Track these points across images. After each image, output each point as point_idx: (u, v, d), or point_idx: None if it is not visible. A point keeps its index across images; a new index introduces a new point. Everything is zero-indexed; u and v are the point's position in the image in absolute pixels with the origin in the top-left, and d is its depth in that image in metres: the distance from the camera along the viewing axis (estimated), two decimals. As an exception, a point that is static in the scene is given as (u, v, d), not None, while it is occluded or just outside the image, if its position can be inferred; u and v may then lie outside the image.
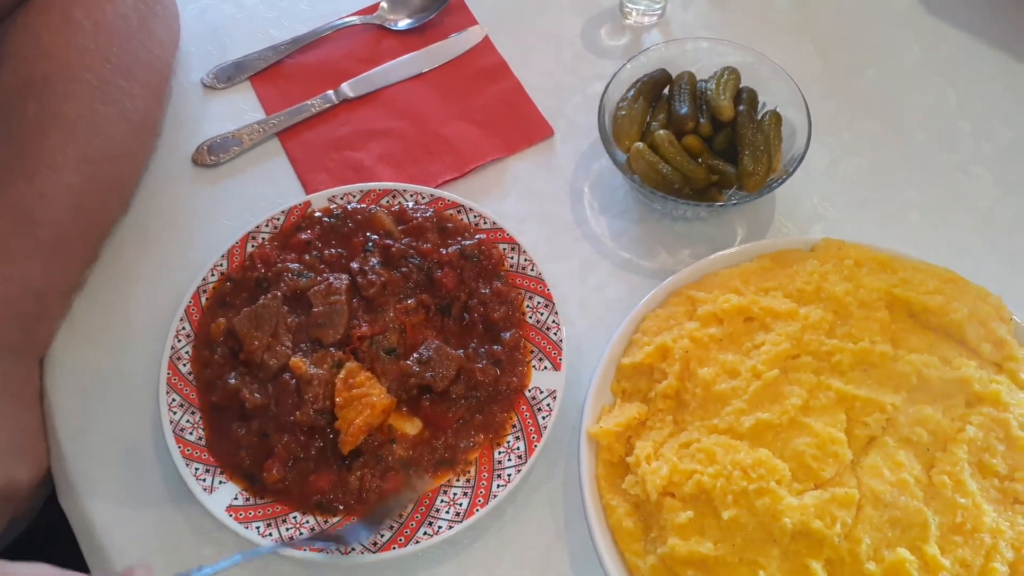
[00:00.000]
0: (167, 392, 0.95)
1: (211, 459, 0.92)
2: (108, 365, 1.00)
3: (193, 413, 0.95)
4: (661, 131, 1.02)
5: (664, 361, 0.91)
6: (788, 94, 1.05)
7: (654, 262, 1.06)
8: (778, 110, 1.05)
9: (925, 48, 1.22)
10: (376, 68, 1.21)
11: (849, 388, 0.86)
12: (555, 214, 1.10)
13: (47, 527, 1.04)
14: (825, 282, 0.93)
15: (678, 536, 0.82)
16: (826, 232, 1.01)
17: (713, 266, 0.98)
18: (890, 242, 0.98)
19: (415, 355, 0.94)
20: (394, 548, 0.87)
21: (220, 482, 0.91)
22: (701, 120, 1.03)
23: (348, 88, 1.19)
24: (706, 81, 1.07)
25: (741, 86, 1.07)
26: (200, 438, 0.93)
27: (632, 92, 1.05)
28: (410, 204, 1.07)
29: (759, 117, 1.05)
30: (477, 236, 1.04)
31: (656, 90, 1.07)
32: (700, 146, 1.02)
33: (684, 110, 1.03)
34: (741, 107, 1.03)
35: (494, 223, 1.04)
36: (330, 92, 1.19)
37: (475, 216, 1.05)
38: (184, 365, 0.97)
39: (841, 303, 0.92)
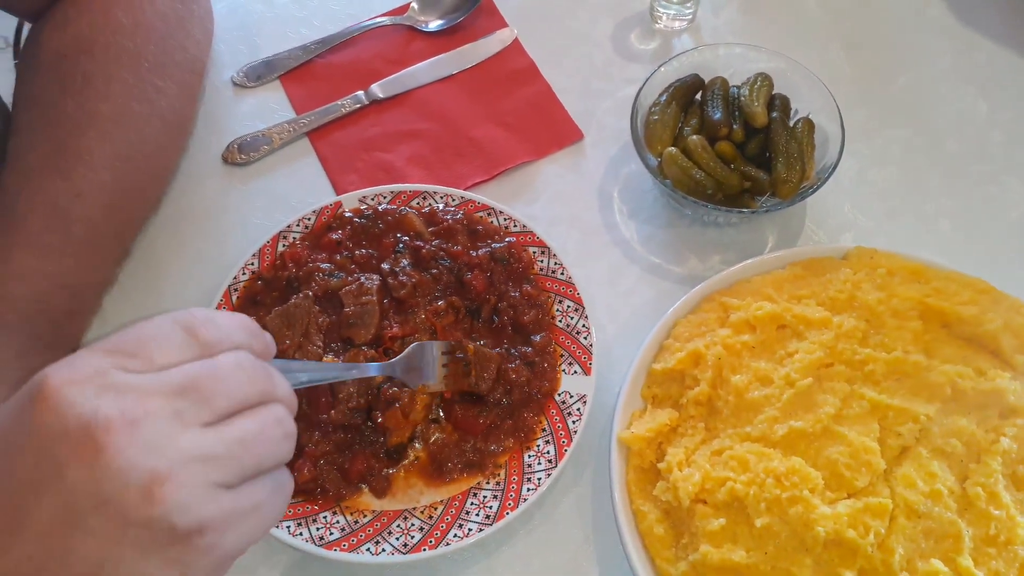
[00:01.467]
0: (198, 390, 0.95)
1: (241, 457, 0.92)
2: (139, 362, 1.00)
3: (223, 411, 0.95)
4: (694, 136, 1.02)
5: (696, 367, 0.91)
6: (820, 101, 1.05)
7: (683, 267, 1.06)
8: (810, 117, 1.05)
9: (957, 56, 1.22)
10: (406, 69, 1.21)
11: (882, 397, 0.86)
12: (584, 218, 1.10)
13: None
14: (858, 291, 0.93)
15: (710, 543, 0.81)
16: (856, 241, 1.00)
17: (745, 273, 0.98)
18: (921, 251, 0.98)
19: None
20: (424, 550, 0.87)
21: (250, 481, 0.91)
22: (734, 126, 1.03)
23: (378, 89, 1.20)
24: (739, 87, 1.06)
25: (773, 92, 1.07)
26: (230, 436, 0.93)
27: (665, 97, 1.05)
28: (440, 206, 1.07)
29: (792, 124, 1.04)
30: (507, 239, 1.04)
31: (689, 95, 1.07)
32: (733, 152, 1.02)
33: (718, 115, 1.02)
34: (774, 114, 1.03)
35: (524, 226, 1.05)
36: (360, 93, 1.19)
37: (505, 219, 1.05)
38: (215, 363, 0.97)
39: (874, 312, 0.92)
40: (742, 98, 1.04)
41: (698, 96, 1.08)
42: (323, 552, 0.87)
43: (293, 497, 0.89)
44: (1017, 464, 0.83)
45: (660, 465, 0.87)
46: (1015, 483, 0.83)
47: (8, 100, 1.01)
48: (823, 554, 0.79)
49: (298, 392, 0.93)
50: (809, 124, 1.04)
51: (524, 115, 1.18)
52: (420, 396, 0.92)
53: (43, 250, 0.92)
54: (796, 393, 0.87)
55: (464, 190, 1.09)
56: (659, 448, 0.90)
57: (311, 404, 0.93)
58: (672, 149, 1.01)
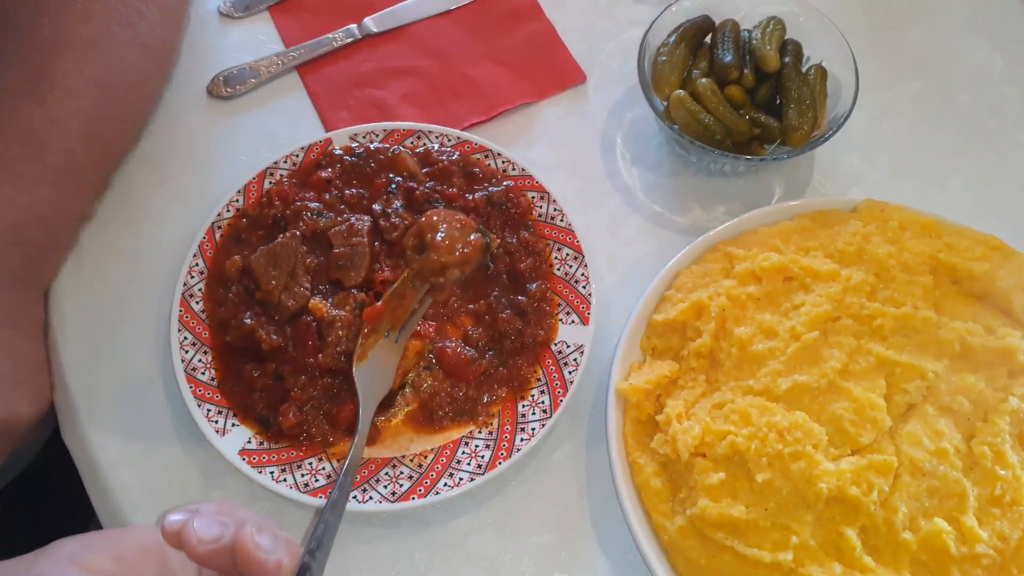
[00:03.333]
0: (179, 330, 0.91)
1: (223, 400, 0.89)
2: (117, 300, 0.96)
3: (205, 353, 0.91)
4: (703, 79, 0.97)
5: (699, 319, 0.88)
6: (833, 49, 1.01)
7: (687, 217, 1.03)
8: (823, 64, 1.01)
9: (973, 9, 1.18)
10: (401, 3, 1.16)
11: (890, 353, 0.84)
12: (585, 164, 1.06)
13: (50, 462, 1.01)
14: (868, 244, 0.90)
15: (709, 498, 0.79)
16: (864, 194, 0.97)
17: (752, 223, 0.94)
18: (930, 207, 0.95)
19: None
20: (413, 499, 0.84)
21: (233, 424, 0.88)
22: (745, 71, 0.99)
23: (372, 23, 1.14)
24: (751, 30, 1.02)
25: (786, 37, 1.02)
26: (212, 379, 0.90)
27: (673, 38, 1.01)
28: (435, 146, 1.03)
29: (804, 71, 1.00)
30: (505, 183, 1.00)
31: (698, 37, 1.02)
32: (743, 97, 0.98)
33: (728, 59, 0.98)
34: (787, 59, 0.99)
35: (523, 169, 1.00)
36: (353, 26, 1.14)
37: (503, 162, 1.01)
38: (197, 303, 0.93)
39: (883, 266, 0.89)
40: (754, 42, 1.00)
41: (708, 39, 1.04)
42: (308, 499, 0.83)
43: (277, 442, 0.87)
44: (1024, 424, 0.81)
45: (659, 417, 0.84)
46: (1022, 443, 0.81)
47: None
48: (825, 511, 0.77)
49: (283, 334, 0.90)
50: (822, 71, 1.00)
51: (524, 54, 1.13)
52: (412, 343, 0.89)
53: (16, 178, 0.87)
54: (801, 347, 0.84)
55: (460, 130, 1.05)
56: (658, 400, 0.87)
57: (297, 346, 0.89)
58: (680, 92, 0.97)
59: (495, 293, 0.95)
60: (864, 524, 0.77)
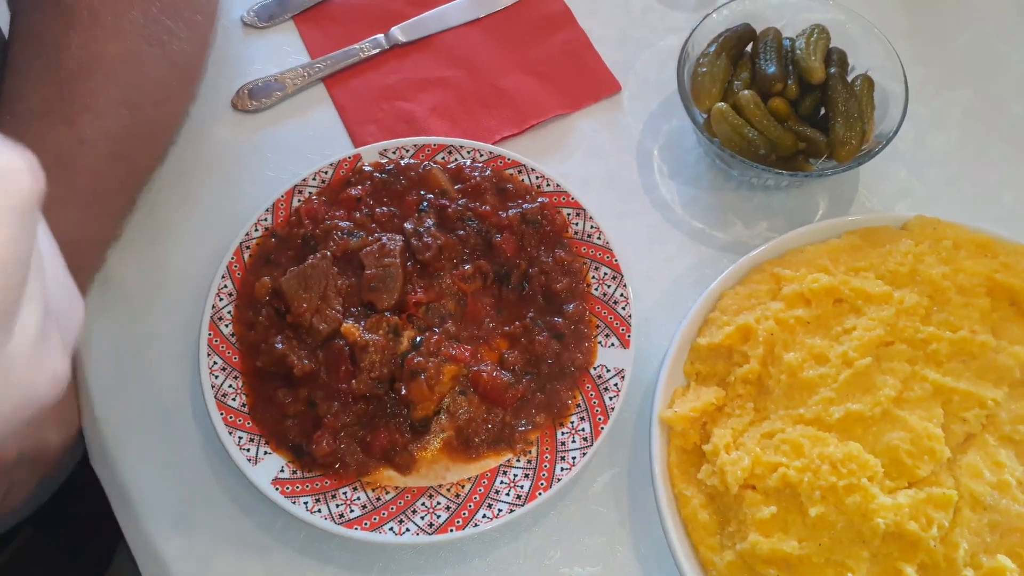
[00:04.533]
0: (208, 354, 0.89)
1: (255, 428, 0.87)
2: (144, 323, 0.94)
3: (236, 378, 0.89)
4: (745, 91, 0.94)
5: (745, 343, 0.85)
6: (880, 57, 0.97)
7: (728, 234, 0.99)
8: (869, 74, 0.97)
9: (1021, 13, 1.13)
10: (430, 11, 1.13)
11: (947, 380, 0.80)
12: (621, 177, 1.03)
13: (78, 485, 0.99)
14: (921, 264, 0.87)
15: (760, 532, 0.76)
16: (912, 209, 0.93)
17: (797, 241, 0.91)
18: (982, 222, 0.91)
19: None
20: (451, 530, 0.81)
21: (265, 452, 0.85)
22: (789, 82, 0.95)
23: (399, 32, 1.11)
24: (793, 39, 0.98)
25: (831, 46, 0.99)
26: (243, 405, 0.88)
27: (714, 48, 0.97)
28: (467, 162, 1.00)
29: (850, 81, 0.97)
30: (539, 199, 0.97)
31: (739, 47, 0.99)
32: (787, 110, 0.94)
33: (771, 70, 0.95)
34: (832, 69, 0.95)
35: (557, 185, 0.97)
36: (380, 36, 1.11)
37: (537, 177, 0.98)
38: (226, 326, 0.91)
39: (938, 287, 0.85)
40: (797, 51, 0.96)
41: (749, 48, 1.00)
42: (343, 531, 0.81)
43: (310, 471, 0.85)
44: (1090, 454, 0.78)
45: (705, 447, 0.81)
46: (1088, 475, 0.78)
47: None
48: (882, 547, 0.74)
49: (315, 359, 0.88)
50: (869, 81, 0.96)
51: (557, 64, 1.09)
52: (447, 367, 0.86)
53: (45, 201, 0.85)
54: (854, 373, 0.81)
55: (493, 145, 1.02)
56: (703, 429, 0.84)
57: (330, 372, 0.86)
58: (722, 104, 0.93)
59: (531, 315, 0.92)
60: (923, 560, 0.74)
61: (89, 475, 0.91)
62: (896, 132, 0.92)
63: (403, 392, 0.85)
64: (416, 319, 0.90)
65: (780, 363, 0.83)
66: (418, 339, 0.87)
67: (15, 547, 1.00)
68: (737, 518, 0.78)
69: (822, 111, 0.97)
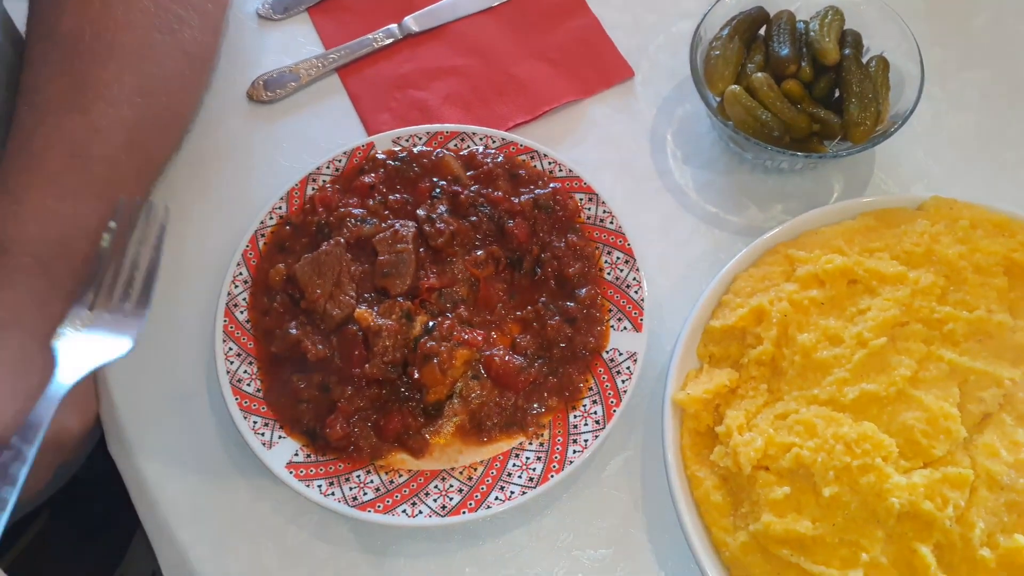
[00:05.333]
0: (224, 340, 0.90)
1: (269, 412, 0.87)
2: (160, 310, 0.94)
3: (251, 363, 0.90)
4: (759, 74, 0.93)
5: (759, 325, 0.84)
6: (896, 39, 0.96)
7: (742, 217, 0.99)
8: (884, 55, 0.96)
9: (1042, -9, 1.12)
10: (443, 1, 1.13)
11: (963, 360, 0.80)
12: (635, 163, 1.03)
13: (96, 470, 1.00)
14: (936, 244, 0.86)
15: (773, 513, 0.76)
16: (929, 191, 0.92)
17: (812, 223, 0.90)
18: (1000, 203, 0.90)
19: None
20: (464, 512, 0.82)
21: (279, 436, 0.86)
22: (803, 64, 0.94)
23: (412, 22, 1.12)
24: (807, 21, 0.98)
25: (845, 27, 0.98)
26: (258, 390, 0.88)
27: (727, 31, 0.96)
28: (479, 148, 1.00)
29: (864, 62, 0.96)
30: (551, 185, 0.97)
31: (752, 29, 0.98)
32: (801, 92, 0.94)
33: (785, 52, 0.94)
34: (847, 50, 0.95)
35: (570, 171, 0.97)
36: (393, 26, 1.12)
37: (549, 163, 0.98)
38: (241, 312, 0.92)
39: (954, 267, 0.84)
40: (811, 33, 0.95)
41: (762, 31, 0.99)
42: (357, 513, 0.82)
43: (324, 454, 0.85)
44: (1110, 434, 0.77)
45: (718, 429, 0.81)
46: (1108, 455, 0.76)
47: (21, 28, 0.95)
48: (896, 527, 0.74)
49: (329, 344, 0.88)
50: (884, 62, 0.95)
51: (570, 51, 1.09)
52: (459, 352, 0.86)
53: (62, 191, 0.86)
54: (868, 354, 0.80)
55: (505, 131, 1.02)
56: (716, 411, 0.84)
57: (344, 357, 0.87)
58: (735, 87, 0.93)
59: (543, 299, 0.92)
60: (939, 541, 0.73)
61: (106, 462, 0.92)
62: (912, 112, 0.91)
63: (416, 376, 0.86)
64: (429, 304, 0.90)
65: (794, 344, 0.82)
66: (431, 324, 0.87)
67: (35, 532, 1.02)
68: (750, 499, 0.78)
69: (836, 93, 0.96)
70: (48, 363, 0.80)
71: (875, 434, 0.76)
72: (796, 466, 0.76)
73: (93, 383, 0.93)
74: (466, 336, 0.88)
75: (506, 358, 0.88)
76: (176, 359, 0.93)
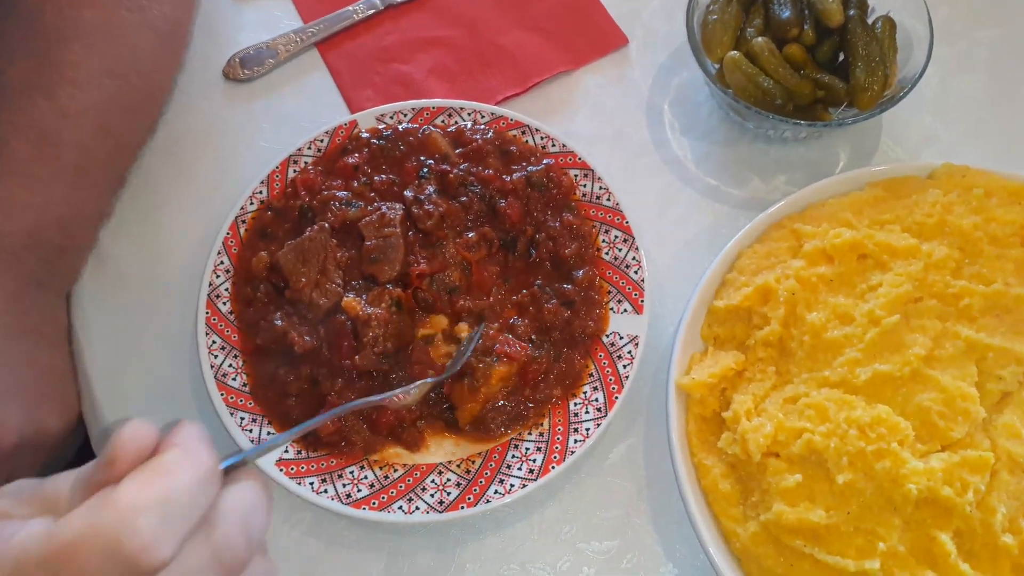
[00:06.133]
0: (206, 333, 0.86)
1: (257, 408, 0.84)
2: (141, 303, 0.92)
3: (235, 356, 0.86)
4: (759, 39, 0.89)
5: (765, 304, 0.81)
6: (902, -3, 0.92)
7: (744, 190, 0.95)
8: (890, 15, 0.92)
9: (1053, -56, 1.07)
10: (425, -32, 1.08)
11: (980, 336, 0.77)
12: (630, 135, 0.99)
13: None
14: (949, 214, 0.82)
15: (785, 502, 0.73)
16: (939, 158, 0.88)
17: (818, 195, 0.87)
18: (1013, 169, 0.86)
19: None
20: (462, 507, 0.78)
21: (268, 432, 0.83)
22: (805, 27, 0.90)
23: (394, -9, 1.07)
24: (809, -19, 0.93)
25: (849, -13, 0.93)
26: (244, 384, 0.85)
27: (725, -7, 0.92)
28: (468, 124, 0.96)
29: (870, 23, 0.91)
30: (544, 161, 0.93)
31: (752, -9, 0.94)
32: (804, 56, 0.90)
33: (786, 14, 0.90)
34: (851, 11, 0.90)
35: (563, 145, 0.93)
36: (374, -4, 1.07)
37: (542, 138, 0.94)
38: (224, 303, 0.88)
39: (969, 239, 0.81)
40: (814, -7, 0.91)
41: (762, -8, 0.95)
42: (351, 511, 0.79)
43: (315, 450, 0.82)
44: None
45: (725, 414, 0.78)
46: None
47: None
48: (914, 514, 0.71)
49: (316, 335, 0.84)
50: (890, 23, 0.91)
51: (560, 18, 1.05)
52: (496, 369, 0.82)
53: (30, 180, 0.83)
54: (881, 332, 0.77)
55: (494, 105, 0.98)
56: (723, 395, 0.80)
57: (332, 348, 0.83)
58: (734, 53, 0.89)
59: (539, 282, 0.88)
60: (959, 527, 0.71)
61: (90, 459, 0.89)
62: (921, 75, 0.87)
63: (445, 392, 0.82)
64: (420, 292, 0.86)
65: (802, 324, 0.79)
66: (475, 334, 0.83)
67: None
68: (760, 487, 0.75)
69: (841, 56, 0.92)
70: (19, 357, 0.77)
71: (890, 417, 0.73)
72: (808, 452, 0.73)
73: (73, 379, 0.89)
74: (508, 349, 0.83)
75: (516, 347, 0.84)
76: (158, 353, 0.90)
